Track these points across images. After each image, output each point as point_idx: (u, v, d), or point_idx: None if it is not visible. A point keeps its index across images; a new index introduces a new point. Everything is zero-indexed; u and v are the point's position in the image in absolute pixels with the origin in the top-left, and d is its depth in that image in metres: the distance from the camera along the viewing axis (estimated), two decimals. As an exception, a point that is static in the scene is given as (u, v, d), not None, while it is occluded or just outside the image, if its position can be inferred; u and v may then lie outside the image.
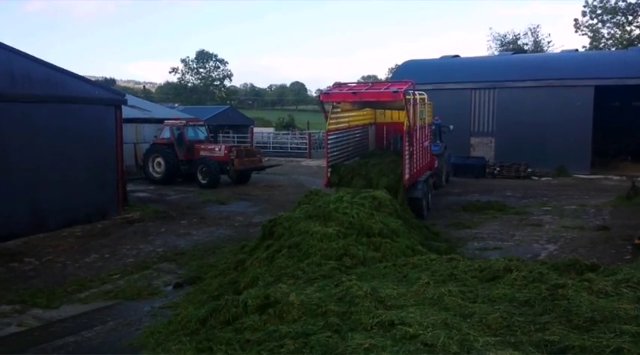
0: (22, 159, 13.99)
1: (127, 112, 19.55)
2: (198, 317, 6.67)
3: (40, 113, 14.48)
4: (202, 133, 26.58)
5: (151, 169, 24.88)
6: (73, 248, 13.27)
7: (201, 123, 27.65)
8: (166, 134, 25.02)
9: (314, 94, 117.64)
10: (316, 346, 4.96)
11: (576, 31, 53.63)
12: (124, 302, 9.62)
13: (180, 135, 24.91)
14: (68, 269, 11.60)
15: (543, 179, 25.70)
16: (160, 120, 29.74)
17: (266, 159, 30.63)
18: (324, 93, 15.62)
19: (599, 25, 52.38)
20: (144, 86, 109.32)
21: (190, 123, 26.41)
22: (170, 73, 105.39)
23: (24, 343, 7.87)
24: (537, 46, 63.18)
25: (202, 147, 24.79)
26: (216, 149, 24.47)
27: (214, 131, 27.70)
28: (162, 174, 24.58)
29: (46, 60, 14.82)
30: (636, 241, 11.99)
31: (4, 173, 13.56)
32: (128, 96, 19.98)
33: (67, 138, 15.16)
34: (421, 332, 5.08)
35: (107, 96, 17.02)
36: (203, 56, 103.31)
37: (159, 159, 24.63)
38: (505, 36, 64.27)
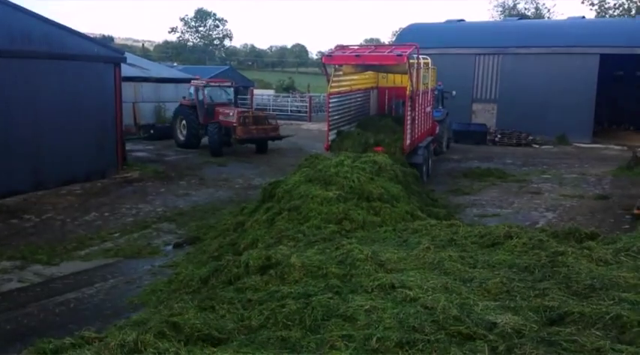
0: (21, 117, 13.87)
1: (125, 71, 19.29)
2: (199, 277, 6.75)
3: (39, 70, 14.28)
4: (229, 95, 24.15)
5: (178, 132, 23.50)
6: (73, 206, 13.30)
7: (228, 83, 24.87)
8: (192, 95, 23.28)
9: (315, 57, 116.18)
10: (317, 307, 5.00)
11: (583, 2, 52.83)
12: (123, 260, 9.72)
13: (199, 97, 22.95)
14: (68, 227, 11.65)
15: (544, 147, 25.63)
16: (160, 80, 29.26)
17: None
18: (327, 55, 15.42)
19: None
20: (142, 44, 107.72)
21: (212, 84, 24.18)
22: (170, 32, 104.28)
23: (25, 299, 7.97)
24: (538, 11, 62.42)
25: (221, 110, 22.33)
26: (230, 113, 21.66)
27: (235, 93, 24.59)
28: (185, 137, 23.13)
29: (44, 15, 14.56)
30: (635, 211, 12.03)
31: (3, 130, 13.46)
32: (127, 55, 19.66)
33: (67, 96, 15.00)
34: (421, 295, 5.13)
35: (106, 53, 16.80)
36: (202, 14, 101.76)
37: (184, 122, 23.14)
38: (505, 2, 63.52)
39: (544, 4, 66.30)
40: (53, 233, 11.20)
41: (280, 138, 22.36)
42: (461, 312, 4.69)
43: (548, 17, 60.65)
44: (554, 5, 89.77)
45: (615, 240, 7.12)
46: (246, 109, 23.40)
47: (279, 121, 23.82)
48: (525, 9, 62.42)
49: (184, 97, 24.27)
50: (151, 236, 11.13)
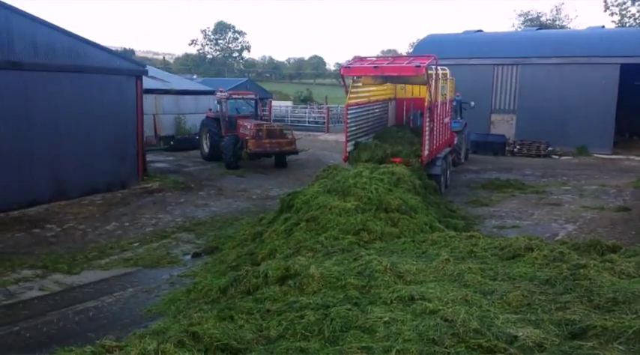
0: (44, 128, 14.10)
1: (146, 83, 19.47)
2: (219, 287, 6.79)
3: (62, 83, 14.54)
4: (252, 107, 23.65)
5: (204, 144, 23.06)
6: (94, 216, 13.46)
7: (251, 96, 24.23)
8: (217, 107, 22.91)
9: (332, 68, 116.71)
10: (336, 318, 4.99)
11: (605, 11, 52.78)
12: (143, 269, 9.79)
13: (221, 110, 22.41)
14: (89, 236, 11.79)
15: (564, 158, 25.37)
16: (180, 92, 29.56)
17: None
18: (345, 66, 15.47)
19: (629, 3, 51.41)
20: (163, 57, 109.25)
21: (235, 96, 23.59)
22: (190, 44, 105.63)
23: (46, 307, 8.06)
24: (556, 20, 62.35)
25: (241, 123, 21.61)
26: (248, 126, 20.81)
27: (255, 105, 23.72)
28: (208, 149, 22.73)
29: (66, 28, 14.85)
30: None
31: (26, 141, 13.71)
32: (148, 68, 19.92)
33: (89, 108, 15.22)
34: (441, 307, 5.10)
35: (128, 66, 17.03)
36: (222, 27, 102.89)
37: (208, 134, 22.72)
38: (529, 12, 63.56)
39: (566, 15, 66.53)
40: (74, 242, 11.34)
41: (296, 152, 21.47)
42: (481, 325, 4.66)
43: (568, 27, 60.49)
44: (576, 17, 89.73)
45: (637, 253, 7.02)
46: (262, 122, 21.98)
47: (297, 133, 23.42)
48: (548, 20, 62.30)
49: (210, 109, 24.15)
50: (170, 245, 11.21)
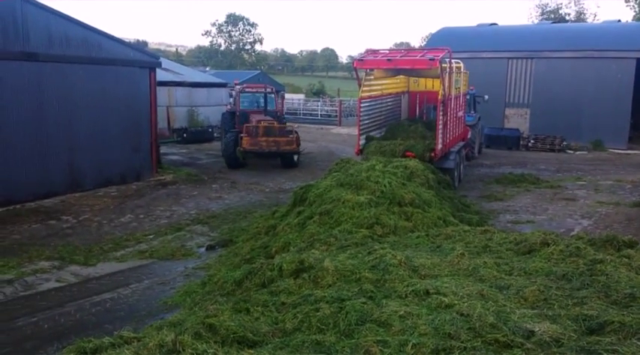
0: (59, 120, 14.23)
1: (159, 75, 19.56)
2: (233, 279, 6.81)
3: (77, 74, 14.65)
4: (270, 101, 22.61)
5: (224, 139, 21.64)
6: (109, 207, 13.57)
7: (268, 89, 22.92)
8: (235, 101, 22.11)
9: (345, 61, 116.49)
10: (351, 311, 5.01)
11: (627, 4, 52.36)
12: (158, 261, 9.85)
13: (234, 104, 21.93)
14: (104, 228, 11.88)
15: (578, 153, 25.17)
16: (193, 84, 29.66)
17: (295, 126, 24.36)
18: (358, 59, 15.41)
19: None
20: (176, 49, 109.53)
21: (249, 90, 22.89)
22: (203, 35, 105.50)
23: (63, 298, 8.14)
24: (579, 15, 61.47)
25: (252, 118, 20.36)
26: (254, 122, 19.58)
27: (265, 98, 22.69)
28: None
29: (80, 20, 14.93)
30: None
31: (42, 132, 13.83)
32: (161, 60, 19.95)
33: (103, 100, 15.34)
34: (457, 302, 5.09)
35: (142, 58, 17.10)
36: (233, 19, 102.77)
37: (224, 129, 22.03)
38: (547, 4, 62.76)
39: (587, 9, 66.02)
40: (90, 234, 11.44)
41: (297, 152, 19.71)
42: (497, 320, 4.65)
43: (588, 20, 59.73)
44: (596, 14, 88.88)
45: (655, 249, 6.96)
46: (264, 118, 20.40)
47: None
48: (567, 14, 61.50)
49: (228, 103, 23.82)
50: (184, 238, 11.28)
